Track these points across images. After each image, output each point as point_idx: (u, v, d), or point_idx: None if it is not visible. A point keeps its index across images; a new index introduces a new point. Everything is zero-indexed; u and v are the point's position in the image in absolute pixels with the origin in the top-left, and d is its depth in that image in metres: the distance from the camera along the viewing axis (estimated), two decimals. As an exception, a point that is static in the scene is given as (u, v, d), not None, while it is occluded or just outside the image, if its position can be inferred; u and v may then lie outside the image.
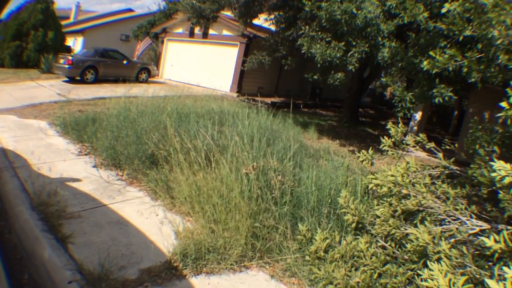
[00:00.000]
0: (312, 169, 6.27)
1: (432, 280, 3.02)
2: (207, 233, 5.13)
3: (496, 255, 2.97)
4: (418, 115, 14.39)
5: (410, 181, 4.59)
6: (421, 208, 4.48)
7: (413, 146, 5.61)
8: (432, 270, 3.08)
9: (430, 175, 5.23)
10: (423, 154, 5.62)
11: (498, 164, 3.22)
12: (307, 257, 4.84)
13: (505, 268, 2.41)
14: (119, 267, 4.42)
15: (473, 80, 6.44)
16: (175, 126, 7.86)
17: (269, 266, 4.94)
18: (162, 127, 7.89)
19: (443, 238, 3.77)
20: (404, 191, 4.41)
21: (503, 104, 3.84)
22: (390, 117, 21.47)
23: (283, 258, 5.00)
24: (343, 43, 10.78)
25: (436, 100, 8.45)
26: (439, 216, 4.27)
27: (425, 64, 6.20)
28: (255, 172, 5.94)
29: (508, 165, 3.22)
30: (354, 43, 10.96)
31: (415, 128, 14.19)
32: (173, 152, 6.65)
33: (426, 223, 4.16)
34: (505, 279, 2.43)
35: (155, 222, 5.68)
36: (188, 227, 5.39)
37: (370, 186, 4.70)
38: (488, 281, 2.38)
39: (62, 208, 5.56)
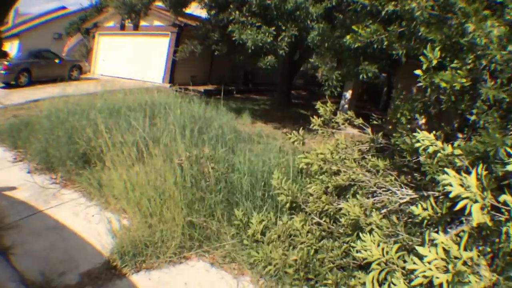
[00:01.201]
0: (245, 154, 6.20)
1: (365, 251, 3.03)
2: (143, 228, 5.00)
3: (425, 221, 3.02)
4: (348, 94, 14.71)
5: (340, 157, 4.63)
6: (352, 183, 4.54)
7: (342, 124, 5.67)
8: (365, 241, 3.09)
9: (360, 150, 5.31)
10: (355, 131, 5.71)
11: (422, 134, 3.28)
12: (245, 241, 4.84)
13: (434, 234, 2.43)
14: (59, 273, 4.28)
15: (397, 55, 6.57)
16: (106, 122, 7.55)
17: (209, 254, 4.88)
18: (93, 124, 7.57)
19: (374, 210, 3.82)
20: (334, 168, 4.44)
21: (418, 71, 3.92)
22: (322, 98, 21.78)
23: (221, 245, 4.95)
24: (273, 28, 10.79)
25: (361, 76, 8.62)
26: (371, 189, 4.34)
27: (347, 39, 6.24)
28: (188, 161, 5.81)
29: (431, 135, 3.29)
30: (284, 28, 10.99)
31: (346, 106, 14.49)
32: (105, 149, 6.40)
33: (358, 196, 4.21)
34: (436, 245, 2.44)
35: (91, 223, 5.50)
36: (124, 224, 5.26)
37: (301, 165, 4.71)
38: (418, 248, 2.40)
39: (1, 219, 5.31)
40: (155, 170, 5.71)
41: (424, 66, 3.84)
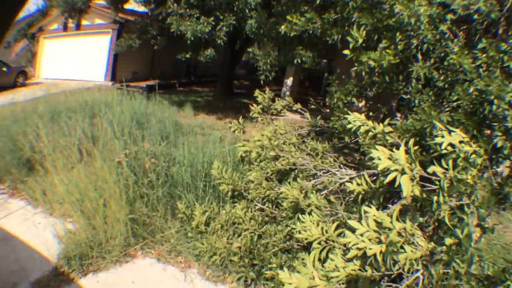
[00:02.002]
0: (186, 146, 6.15)
1: (305, 231, 3.06)
2: (87, 230, 4.87)
3: (360, 196, 3.07)
4: (289, 81, 14.81)
5: (278, 143, 4.66)
6: (293, 167, 4.58)
7: (281, 110, 5.71)
8: (304, 222, 3.12)
9: (300, 134, 5.36)
10: (297, 116, 5.77)
11: (353, 115, 3.35)
12: (189, 234, 4.81)
13: (366, 208, 2.47)
14: (11, 284, 4.15)
15: (333, 40, 6.66)
16: (47, 126, 7.32)
17: (154, 250, 4.83)
18: (36, 129, 7.29)
19: (314, 191, 3.86)
20: (273, 153, 4.46)
21: (346, 51, 4.00)
22: (264, 86, 21.95)
23: (166, 239, 4.89)
24: (212, 18, 10.78)
25: (296, 61, 8.71)
26: (311, 172, 4.39)
27: (282, 28, 6.28)
28: (128, 158, 5.69)
29: (362, 116, 3.36)
30: (222, 17, 11.01)
31: (288, 93, 14.57)
32: (47, 154, 6.19)
33: (298, 180, 4.24)
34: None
35: (38, 230, 5.30)
36: (69, 228, 5.10)
37: (240, 153, 4.70)
38: (350, 221, 2.43)
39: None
40: (95, 170, 5.57)
41: (351, 46, 3.92)
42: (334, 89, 4.90)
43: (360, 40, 3.78)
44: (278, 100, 5.77)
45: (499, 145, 3.32)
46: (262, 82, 8.53)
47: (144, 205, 5.22)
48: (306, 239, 3.06)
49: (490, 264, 2.88)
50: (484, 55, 3.78)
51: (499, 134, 3.36)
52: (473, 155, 2.88)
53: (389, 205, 3.21)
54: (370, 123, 3.23)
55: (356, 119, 3.26)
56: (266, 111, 5.71)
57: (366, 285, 2.41)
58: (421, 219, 2.64)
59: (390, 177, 2.41)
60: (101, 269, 4.43)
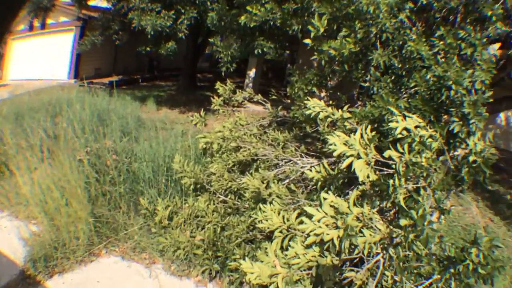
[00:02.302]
0: (147, 141, 6.08)
1: (267, 220, 3.05)
2: (51, 231, 4.75)
3: (320, 183, 3.08)
4: (252, 72, 14.81)
5: (239, 134, 4.64)
6: (255, 158, 4.56)
7: (242, 101, 5.69)
8: (266, 212, 3.11)
9: (261, 125, 5.35)
10: (260, 108, 5.77)
11: (312, 101, 3.35)
12: (153, 229, 4.75)
13: (324, 194, 2.48)
14: None
15: (293, 31, 6.67)
16: (12, 127, 7.10)
17: (118, 248, 4.76)
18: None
19: (276, 181, 3.86)
20: (233, 144, 4.44)
21: (307, 40, 4.01)
22: (227, 78, 21.93)
23: (130, 236, 4.82)
24: (172, 12, 10.65)
25: (256, 52, 8.70)
26: (273, 162, 4.39)
27: (242, 19, 6.25)
28: (89, 156, 5.58)
29: (321, 102, 3.37)
30: (183, 11, 10.89)
31: (251, 84, 14.57)
32: (12, 155, 6.01)
33: (260, 170, 4.24)
34: (330, 205, 2.50)
35: (4, 234, 5.13)
36: (34, 230, 4.98)
37: (201, 145, 4.67)
38: (306, 208, 2.44)
39: None
40: (57, 169, 5.44)
41: (312, 35, 3.93)
42: (294, 79, 4.91)
43: (322, 29, 3.80)
44: (239, 91, 5.74)
45: (455, 130, 3.40)
46: (223, 74, 8.47)
47: (107, 202, 5.15)
48: (268, 228, 3.05)
49: (450, 245, 2.93)
50: (442, 42, 3.86)
51: (456, 119, 3.44)
52: (429, 139, 2.93)
53: (351, 192, 3.24)
54: (329, 109, 3.25)
55: (315, 105, 3.27)
56: (227, 103, 5.68)
57: (326, 271, 2.42)
58: (378, 203, 2.66)
59: (346, 163, 2.42)
60: (67, 270, 4.34)
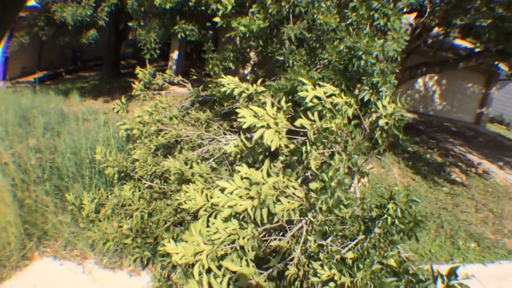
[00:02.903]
0: (68, 135, 5.86)
1: (190, 200, 3.03)
2: None
3: (238, 157, 3.10)
4: (175, 55, 14.57)
5: (160, 117, 4.57)
6: (178, 139, 4.51)
7: (163, 84, 5.60)
8: (188, 192, 3.09)
9: (183, 106, 5.29)
10: (184, 89, 5.71)
11: (227, 78, 3.34)
12: (81, 224, 4.61)
13: (238, 167, 2.49)
14: None
15: (212, 10, 6.63)
16: None
17: (50, 248, 4.59)
18: None
19: (200, 161, 3.83)
20: (153, 128, 4.35)
21: (216, 19, 4.01)
22: (153, 63, 21.57)
23: (60, 235, 4.65)
24: (93, 0, 10.34)
25: (179, 36, 8.58)
26: (197, 142, 4.36)
27: (157, 1, 6.15)
28: (14, 158, 5.33)
29: (235, 78, 3.37)
30: None
31: (174, 67, 14.36)
32: None
33: (183, 151, 4.19)
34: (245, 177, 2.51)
35: None
36: None
37: (121, 132, 4.55)
38: (218, 182, 2.46)
39: None
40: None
41: (220, 13, 3.92)
42: (209, 55, 4.88)
43: (229, 6, 3.79)
44: (159, 74, 5.63)
45: (366, 98, 3.51)
46: (147, 60, 8.30)
47: (34, 203, 4.92)
48: (192, 208, 3.03)
49: (373, 206, 3.05)
50: (355, 13, 3.95)
51: (367, 88, 3.55)
52: (345, 106, 3.01)
53: (274, 165, 3.28)
54: (243, 84, 3.25)
55: (229, 82, 3.26)
56: (148, 87, 5.57)
57: (248, 242, 2.44)
58: (297, 172, 2.71)
59: (257, 134, 2.44)
60: (5, 278, 4.15)
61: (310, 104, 2.71)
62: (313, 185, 2.35)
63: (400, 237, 2.72)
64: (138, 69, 5.57)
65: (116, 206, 4.42)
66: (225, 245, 2.52)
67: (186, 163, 3.85)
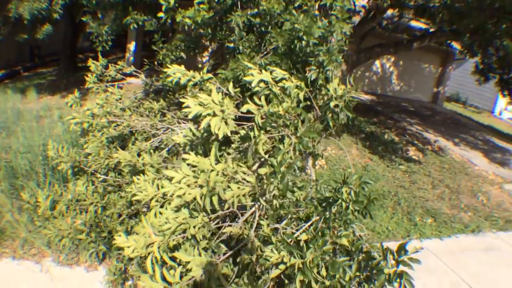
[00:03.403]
0: (23, 133, 5.72)
1: (141, 192, 2.99)
2: None
3: (188, 147, 3.06)
4: (132, 46, 14.31)
5: (111, 109, 4.49)
6: (132, 130, 4.45)
7: (115, 76, 5.49)
8: (139, 183, 3.04)
9: (136, 97, 5.21)
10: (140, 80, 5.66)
11: (173, 68, 3.30)
12: (37, 223, 4.54)
13: (185, 155, 2.46)
14: None
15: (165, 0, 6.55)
16: None
17: (8, 249, 4.52)
18: None
19: (152, 151, 3.78)
20: (103, 120, 4.27)
21: (160, 14, 3.99)
22: (111, 55, 21.22)
23: (17, 234, 4.60)
24: None
25: (132, 27, 8.40)
26: (151, 132, 4.31)
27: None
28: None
29: (181, 67, 3.33)
30: None
31: (131, 58, 14.12)
32: None
33: (137, 142, 4.14)
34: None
35: None
36: None
37: (71, 126, 4.45)
38: (165, 171, 2.44)
39: None
40: None
41: (163, 8, 3.90)
42: (160, 45, 4.82)
43: (172, 2, 3.74)
44: (111, 66, 5.51)
45: (313, 77, 3.52)
46: (99, 52, 8.13)
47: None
48: (144, 199, 2.99)
49: (326, 187, 3.07)
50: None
51: (314, 67, 3.56)
52: (295, 89, 3.01)
53: (229, 151, 3.27)
54: (190, 73, 3.22)
55: (176, 71, 3.22)
56: (101, 79, 5.45)
57: (199, 231, 2.43)
58: (248, 157, 2.70)
59: (203, 122, 2.41)
60: None
61: (257, 89, 2.69)
62: (262, 170, 2.35)
63: (355, 216, 2.75)
64: (90, 61, 5.45)
65: (70, 201, 4.33)
66: (176, 235, 2.49)
67: (139, 154, 3.80)
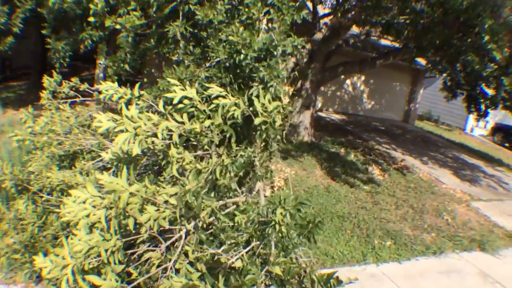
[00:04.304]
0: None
1: (69, 213, 2.88)
2: None
3: (115, 164, 2.97)
4: (101, 61, 14.27)
5: (55, 128, 4.40)
6: (79, 149, 4.35)
7: (68, 93, 5.41)
8: (67, 203, 2.94)
9: (90, 116, 5.13)
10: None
11: (105, 84, 3.28)
12: None
13: (98, 175, 2.38)
14: None
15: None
16: None
17: None
18: None
19: (93, 170, 3.69)
20: (43, 139, 4.17)
21: (90, 18, 3.96)
22: (82, 71, 21.09)
23: None
24: (6, 6, 9.89)
25: (86, 43, 8.33)
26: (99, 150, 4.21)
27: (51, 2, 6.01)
28: None
29: (115, 84, 3.28)
30: (19, 4, 10.18)
31: (100, 74, 14.02)
32: None
33: (83, 161, 4.05)
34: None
35: None
36: None
37: (13, 143, 4.34)
38: (71, 191, 2.38)
39: None
40: None
41: (91, 12, 3.86)
42: (102, 57, 4.77)
43: (100, 5, 3.67)
44: (65, 82, 5.42)
45: (254, 94, 3.45)
46: (57, 69, 8.00)
47: None
48: (71, 221, 2.88)
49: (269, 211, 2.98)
50: (248, 9, 3.90)
51: (256, 84, 3.51)
52: (233, 107, 2.95)
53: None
54: (121, 89, 3.15)
55: (109, 88, 3.16)
56: (56, 96, 5.36)
57: (113, 255, 2.33)
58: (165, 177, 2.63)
59: (116, 139, 2.34)
60: None
61: (180, 106, 2.63)
62: (172, 190, 2.28)
63: (300, 241, 2.67)
64: (45, 78, 5.36)
65: (12, 220, 4.21)
66: (91, 258, 2.39)
67: (82, 173, 3.70)
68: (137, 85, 3.34)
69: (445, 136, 17.19)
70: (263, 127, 2.87)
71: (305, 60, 9.16)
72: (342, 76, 16.01)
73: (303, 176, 7.99)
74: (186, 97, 2.63)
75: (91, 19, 3.92)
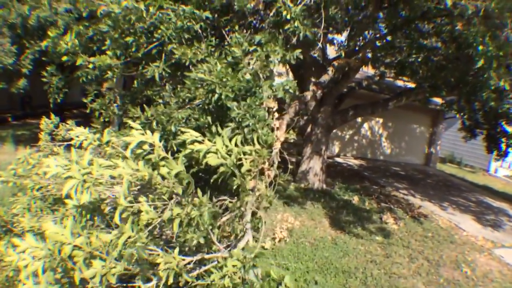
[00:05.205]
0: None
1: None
2: None
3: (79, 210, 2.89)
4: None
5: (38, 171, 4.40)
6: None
7: (65, 135, 5.45)
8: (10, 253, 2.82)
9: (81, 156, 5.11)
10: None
11: (76, 130, 3.34)
12: None
13: (44, 224, 2.29)
14: None
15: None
16: None
17: None
18: None
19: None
20: (25, 182, 4.14)
21: (64, 58, 4.01)
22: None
23: None
24: (15, 46, 10.14)
25: (80, 80, 8.52)
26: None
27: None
28: None
29: (86, 130, 3.30)
30: (28, 45, 10.44)
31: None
32: None
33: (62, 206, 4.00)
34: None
35: None
36: None
37: (-1, 185, 4.35)
38: (13, 239, 2.27)
39: None
40: None
41: (63, 50, 3.93)
42: (89, 98, 4.83)
43: (70, 44, 3.74)
44: (62, 125, 5.46)
45: (228, 135, 3.36)
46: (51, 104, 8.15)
47: None
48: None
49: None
50: (233, 48, 3.88)
51: (231, 124, 3.42)
52: (211, 153, 2.85)
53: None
54: (91, 135, 3.12)
55: (79, 133, 3.14)
56: (54, 138, 5.41)
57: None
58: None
59: (66, 185, 2.26)
60: None
61: (139, 151, 2.55)
62: (107, 237, 2.15)
63: None
64: (43, 120, 5.44)
65: (-5, 261, 4.17)
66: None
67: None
68: (106, 131, 3.29)
69: (467, 179, 16.68)
70: (221, 170, 2.74)
71: (313, 103, 9.03)
72: (359, 120, 15.87)
73: (310, 227, 7.70)
74: (144, 142, 2.54)
75: (64, 58, 3.93)
